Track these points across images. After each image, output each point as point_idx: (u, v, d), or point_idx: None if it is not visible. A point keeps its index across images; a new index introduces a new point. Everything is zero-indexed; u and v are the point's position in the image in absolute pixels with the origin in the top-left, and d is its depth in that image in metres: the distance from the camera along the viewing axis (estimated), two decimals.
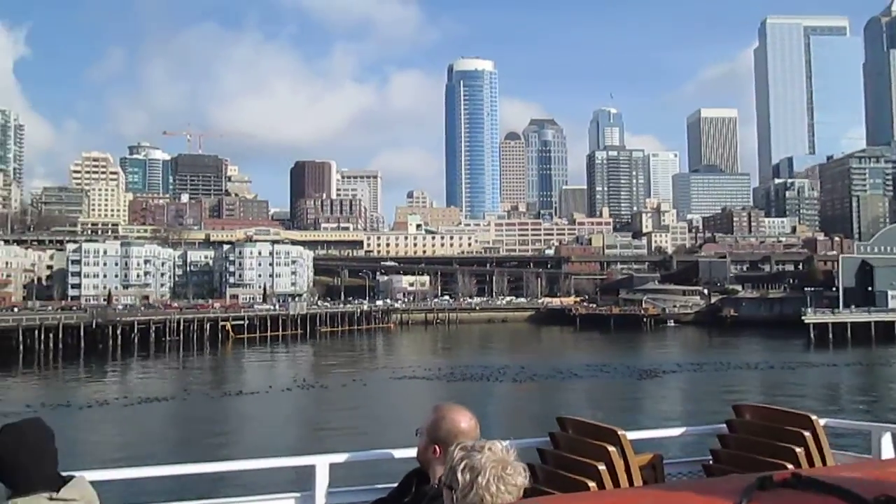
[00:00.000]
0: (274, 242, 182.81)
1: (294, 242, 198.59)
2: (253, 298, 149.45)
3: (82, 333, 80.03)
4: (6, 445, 2.99)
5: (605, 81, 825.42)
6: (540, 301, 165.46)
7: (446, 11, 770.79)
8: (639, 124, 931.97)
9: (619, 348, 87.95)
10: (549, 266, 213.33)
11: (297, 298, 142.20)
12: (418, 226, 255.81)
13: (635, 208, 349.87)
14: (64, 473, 3.11)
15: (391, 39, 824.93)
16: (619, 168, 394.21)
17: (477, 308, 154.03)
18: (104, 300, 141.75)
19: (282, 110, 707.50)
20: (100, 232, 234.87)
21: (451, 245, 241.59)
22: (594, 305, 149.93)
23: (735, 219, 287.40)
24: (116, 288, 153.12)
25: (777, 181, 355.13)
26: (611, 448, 4.44)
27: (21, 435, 3.03)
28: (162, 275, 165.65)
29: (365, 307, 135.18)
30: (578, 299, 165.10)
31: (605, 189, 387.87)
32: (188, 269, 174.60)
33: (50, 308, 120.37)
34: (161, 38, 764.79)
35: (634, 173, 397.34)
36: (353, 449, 4.85)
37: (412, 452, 3.57)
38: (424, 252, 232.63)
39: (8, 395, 48.61)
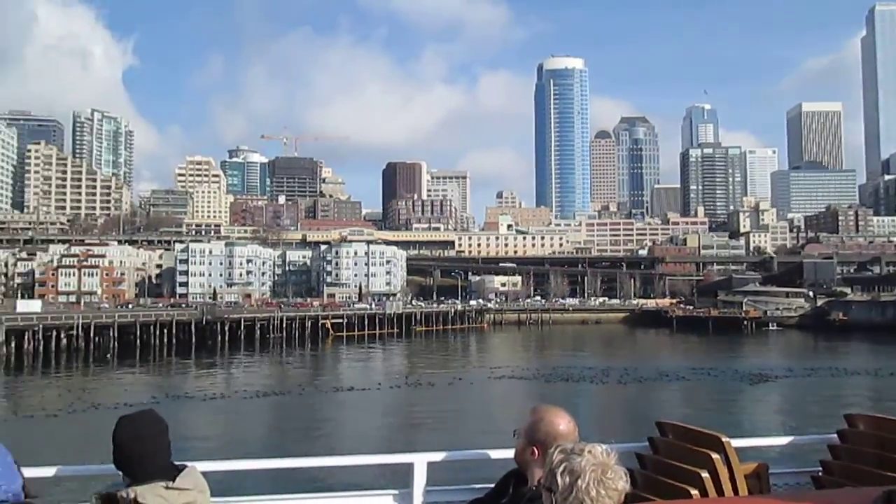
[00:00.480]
0: (368, 243, 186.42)
1: (387, 243, 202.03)
2: (349, 297, 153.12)
3: (193, 329, 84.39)
4: (124, 436, 3.15)
5: (699, 77, 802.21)
6: (634, 302, 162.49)
7: (535, 10, 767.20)
8: (734, 120, 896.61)
9: (719, 351, 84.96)
10: (642, 267, 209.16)
11: (392, 298, 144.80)
12: (509, 226, 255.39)
13: (732, 207, 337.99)
14: (176, 463, 3.25)
15: (480, 40, 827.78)
16: (715, 166, 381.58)
17: (570, 309, 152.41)
18: (210, 298, 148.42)
19: (373, 112, 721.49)
20: (203, 233, 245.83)
21: (542, 245, 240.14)
22: (691, 307, 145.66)
23: (840, 217, 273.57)
24: (221, 286, 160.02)
25: (888, 177, 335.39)
26: (714, 455, 4.30)
27: (138, 426, 3.17)
28: (263, 274, 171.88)
29: (458, 307, 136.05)
30: (674, 301, 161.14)
31: (700, 187, 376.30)
32: (287, 268, 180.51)
33: (160, 305, 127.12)
34: (259, 44, 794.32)
35: (730, 171, 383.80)
36: (451, 448, 4.87)
37: (509, 453, 3.57)
38: (515, 252, 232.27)
39: (127, 386, 51.72)
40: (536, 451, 3.26)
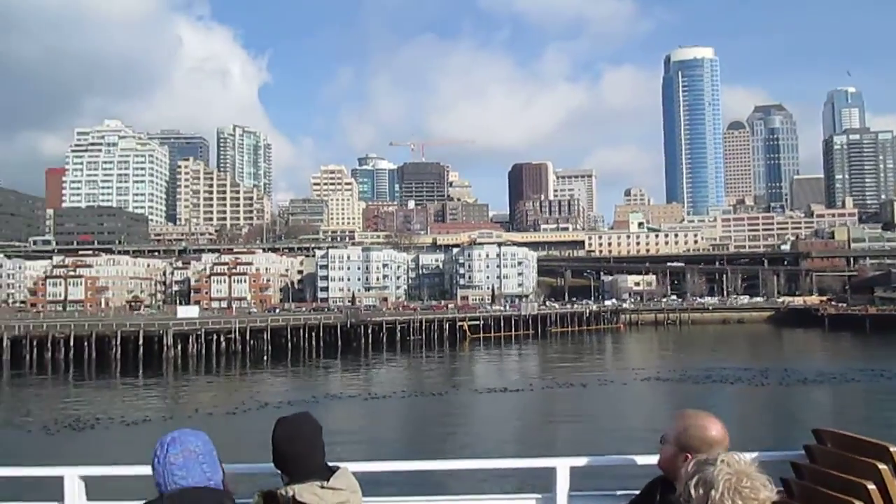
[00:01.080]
0: (499, 245, 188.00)
1: (516, 244, 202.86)
2: (482, 299, 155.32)
3: (339, 332, 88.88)
4: (283, 437, 3.39)
5: (840, 59, 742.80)
6: (780, 300, 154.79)
7: (661, 1, 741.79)
8: (883, 103, 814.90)
9: (880, 352, 79.36)
10: (785, 263, 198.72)
11: (524, 299, 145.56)
12: (640, 224, 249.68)
13: (884, 196, 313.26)
14: (330, 464, 3.46)
15: (604, 35, 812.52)
16: (863, 153, 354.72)
17: (710, 308, 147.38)
18: (349, 301, 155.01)
19: (497, 114, 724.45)
20: (339, 239, 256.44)
21: (676, 243, 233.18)
22: (844, 305, 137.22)
23: None
24: (359, 290, 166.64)
25: None
26: (881, 466, 3.90)
27: (295, 428, 3.42)
28: (398, 277, 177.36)
29: (593, 307, 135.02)
30: (824, 298, 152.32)
31: (846, 177, 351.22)
32: (420, 271, 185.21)
33: (304, 309, 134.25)
34: (385, 54, 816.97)
35: (881, 157, 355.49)
36: (593, 452, 4.80)
37: (655, 459, 3.47)
38: (647, 251, 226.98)
39: (283, 386, 55.41)
40: (689, 458, 3.08)
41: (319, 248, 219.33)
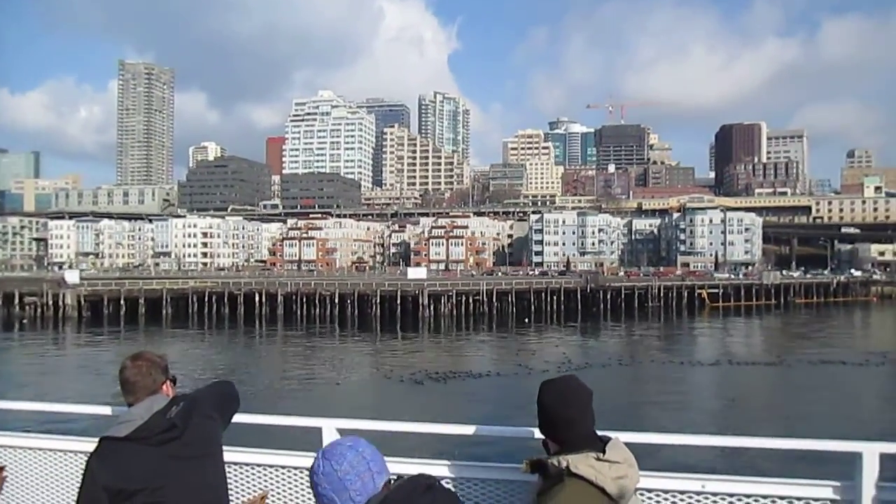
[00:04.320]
0: (722, 210, 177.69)
1: (729, 209, 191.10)
2: (704, 266, 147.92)
3: (579, 296, 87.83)
4: (553, 401, 3.00)
5: None
6: None
7: None
8: None
9: None
10: None
11: (750, 267, 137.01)
12: (877, 188, 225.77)
13: None
14: (599, 433, 3.02)
15: None
16: None
17: None
18: (563, 266, 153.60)
19: (696, 74, 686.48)
20: (541, 203, 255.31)
21: None
22: None
23: None
24: (574, 255, 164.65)
25: None
26: None
27: (564, 392, 3.02)
28: (612, 242, 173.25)
29: (840, 278, 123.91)
30: None
31: None
32: (633, 237, 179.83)
33: (520, 273, 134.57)
34: (582, 13, 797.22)
35: None
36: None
37: None
38: (887, 217, 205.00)
39: (542, 348, 53.19)
40: None
41: (523, 213, 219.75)
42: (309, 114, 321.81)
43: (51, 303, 78.19)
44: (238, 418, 3.81)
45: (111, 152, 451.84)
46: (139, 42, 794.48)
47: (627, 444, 3.04)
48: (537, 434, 3.19)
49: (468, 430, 4.05)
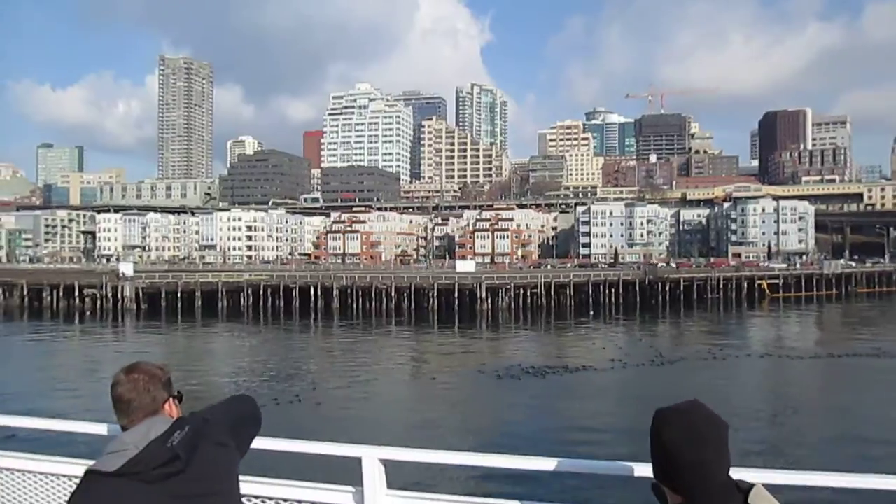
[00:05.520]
0: (775, 199, 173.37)
1: (777, 198, 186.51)
2: (757, 256, 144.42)
3: (637, 289, 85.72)
4: (679, 438, 2.17)
5: None
6: None
7: None
8: None
9: None
10: None
11: (804, 257, 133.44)
12: None
13: None
14: (735, 478, 2.20)
15: None
16: None
17: None
18: (611, 258, 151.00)
19: (735, 61, 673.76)
20: (582, 195, 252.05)
21: None
22: None
23: None
24: (622, 246, 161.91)
25: None
26: None
27: (698, 424, 2.18)
28: (660, 233, 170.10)
29: None
30: None
31: None
32: (680, 227, 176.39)
33: (568, 266, 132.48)
34: (619, 3, 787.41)
35: None
36: None
37: None
38: None
39: (600, 346, 49.75)
40: None
41: (566, 205, 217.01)
42: (346, 107, 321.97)
43: (109, 295, 78.56)
44: (259, 443, 2.97)
45: (150, 146, 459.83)
46: (176, 36, 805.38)
47: (771, 489, 2.18)
48: (640, 471, 2.56)
49: (549, 464, 3.06)
